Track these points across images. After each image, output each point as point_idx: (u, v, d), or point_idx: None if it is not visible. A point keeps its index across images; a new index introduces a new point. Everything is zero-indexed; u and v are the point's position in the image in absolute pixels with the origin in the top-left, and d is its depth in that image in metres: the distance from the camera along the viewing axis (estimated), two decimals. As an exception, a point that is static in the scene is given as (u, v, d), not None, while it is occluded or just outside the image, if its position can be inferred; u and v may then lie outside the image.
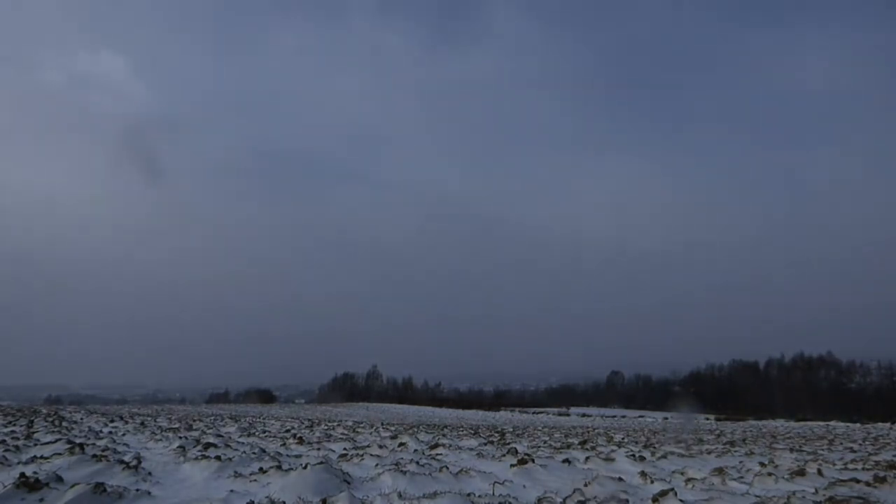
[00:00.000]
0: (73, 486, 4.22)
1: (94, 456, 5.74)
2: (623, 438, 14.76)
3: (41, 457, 5.86)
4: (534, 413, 56.13)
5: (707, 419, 43.63)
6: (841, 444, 14.67)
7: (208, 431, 11.78)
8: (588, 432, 18.98)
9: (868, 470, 7.34)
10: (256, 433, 11.86)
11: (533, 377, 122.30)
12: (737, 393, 68.19)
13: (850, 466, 8.07)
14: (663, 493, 4.69)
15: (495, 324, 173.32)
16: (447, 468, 5.95)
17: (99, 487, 4.20)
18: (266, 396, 76.37)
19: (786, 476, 6.33)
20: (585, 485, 5.27)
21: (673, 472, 6.85)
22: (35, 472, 4.70)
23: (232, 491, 4.67)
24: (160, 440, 9.05)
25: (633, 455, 8.46)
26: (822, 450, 12.04)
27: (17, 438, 8.31)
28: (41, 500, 4.05)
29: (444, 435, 13.13)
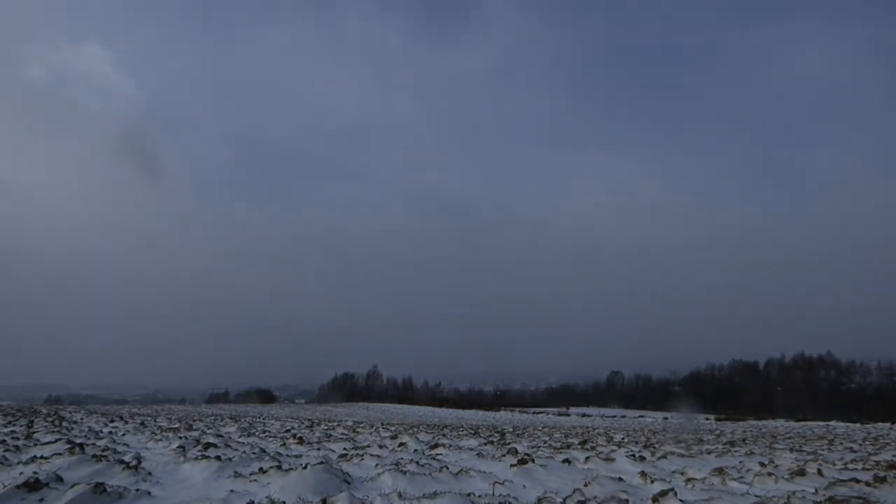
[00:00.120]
0: (73, 486, 4.22)
1: (94, 456, 5.74)
2: (623, 438, 14.77)
3: (41, 457, 5.86)
4: (534, 413, 56.15)
5: (707, 419, 43.64)
6: (841, 444, 14.67)
7: (208, 431, 11.78)
8: (588, 432, 18.98)
9: (868, 470, 7.34)
10: (256, 433, 11.86)
11: (533, 377, 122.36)
12: (737, 393, 68.23)
13: (850, 466, 8.07)
14: (663, 493, 4.69)
15: (495, 323, 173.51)
16: (447, 468, 5.95)
17: (99, 487, 4.20)
18: (266, 396, 76.41)
19: (786, 476, 6.33)
20: (585, 485, 5.27)
21: (673, 472, 6.85)
22: (35, 472, 4.70)
23: (232, 491, 4.67)
24: (160, 440, 9.05)
25: (633, 455, 8.46)
26: (822, 450, 12.04)
27: (17, 438, 8.30)
28: (41, 500, 4.05)
29: (444, 435, 13.13)
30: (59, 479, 4.56)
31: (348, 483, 5.07)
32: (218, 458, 6.27)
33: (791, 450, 11.64)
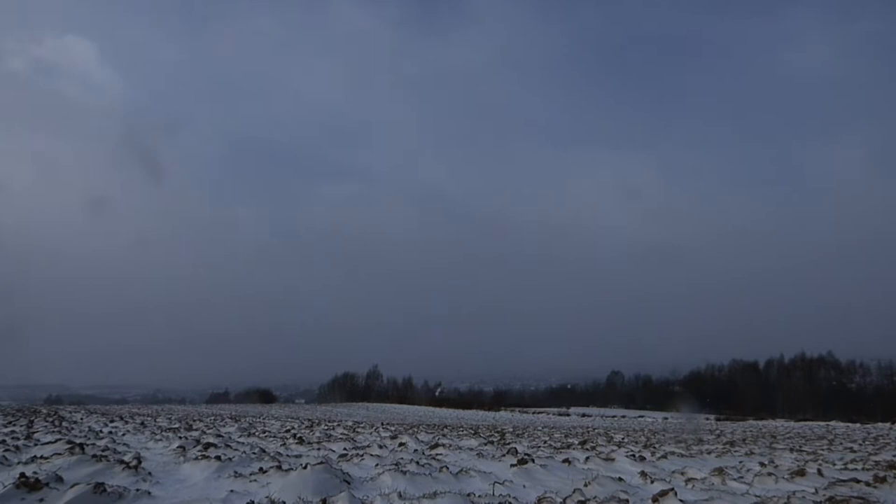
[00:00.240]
0: (73, 486, 4.22)
1: (94, 456, 5.74)
2: (623, 438, 14.77)
3: (41, 457, 5.86)
4: (534, 413, 56.14)
5: (707, 419, 43.65)
6: (841, 444, 14.68)
7: (208, 431, 11.78)
8: (588, 432, 18.99)
9: (868, 470, 7.35)
10: (256, 433, 11.86)
11: (533, 377, 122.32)
12: (737, 393, 68.20)
13: (850, 466, 8.08)
14: (663, 493, 4.69)
15: (495, 323, 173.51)
16: (447, 468, 5.95)
17: (99, 487, 4.20)
18: (266, 396, 76.37)
19: (786, 476, 6.33)
20: (585, 485, 5.27)
21: (673, 472, 6.85)
22: (35, 472, 4.70)
23: (232, 491, 4.67)
24: (160, 440, 9.06)
25: (633, 455, 8.47)
26: (822, 450, 12.04)
27: (17, 438, 8.31)
28: (41, 500, 4.05)
29: (444, 435, 13.13)
30: (59, 479, 4.56)
31: (348, 483, 5.07)
32: (218, 458, 6.27)
33: (791, 450, 11.64)
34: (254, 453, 7.01)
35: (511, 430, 18.67)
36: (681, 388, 76.05)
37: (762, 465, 7.84)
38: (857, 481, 5.71)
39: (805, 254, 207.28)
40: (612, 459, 7.79)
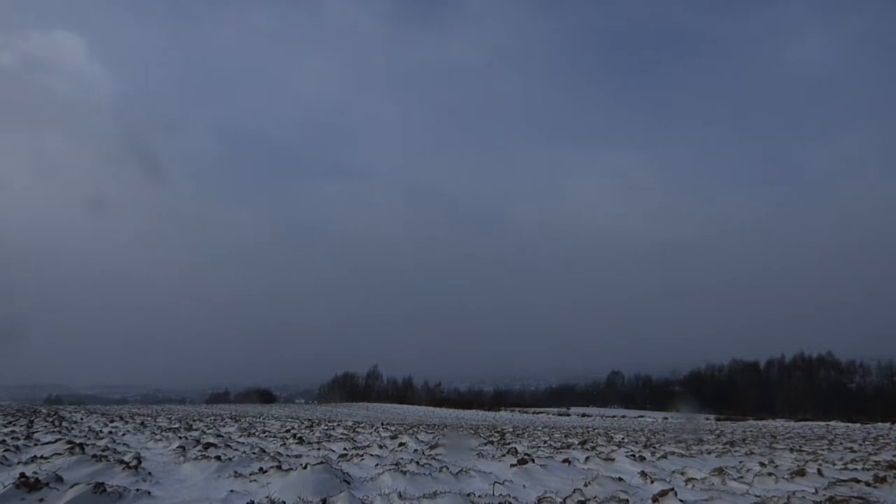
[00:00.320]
0: (73, 486, 4.22)
1: (94, 456, 5.74)
2: (623, 438, 14.77)
3: (41, 457, 5.86)
4: (534, 413, 56.10)
5: (707, 419, 43.64)
6: (841, 444, 14.67)
7: (208, 431, 11.78)
8: (588, 432, 18.99)
9: (868, 470, 7.34)
10: (256, 433, 11.86)
11: (533, 377, 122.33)
12: (737, 393, 68.17)
13: (850, 466, 8.08)
14: (663, 493, 4.69)
15: (496, 323, 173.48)
16: (447, 468, 5.95)
17: (99, 487, 4.20)
18: (266, 396, 76.35)
19: (786, 476, 6.33)
20: (585, 485, 5.27)
21: (673, 472, 6.85)
22: (35, 472, 4.70)
23: (232, 491, 4.67)
24: (160, 440, 9.06)
25: (633, 455, 8.47)
26: (822, 450, 12.04)
27: (17, 438, 8.31)
28: (41, 500, 4.05)
29: (444, 435, 13.13)
30: (59, 479, 4.57)
31: (348, 483, 5.07)
32: (218, 458, 6.27)
33: (791, 450, 11.64)
34: (254, 453, 7.01)
35: (511, 430, 18.67)
36: (681, 388, 76.02)
37: (762, 465, 7.84)
38: (857, 481, 5.71)
39: (805, 254, 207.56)
40: (612, 459, 7.79)
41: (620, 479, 5.77)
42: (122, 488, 4.41)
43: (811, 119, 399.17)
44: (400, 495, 4.44)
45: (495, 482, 5.36)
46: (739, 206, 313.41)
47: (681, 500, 4.52)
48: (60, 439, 7.85)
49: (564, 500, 4.59)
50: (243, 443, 9.25)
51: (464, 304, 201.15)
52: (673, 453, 9.63)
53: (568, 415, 53.07)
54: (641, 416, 48.43)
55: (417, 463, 6.51)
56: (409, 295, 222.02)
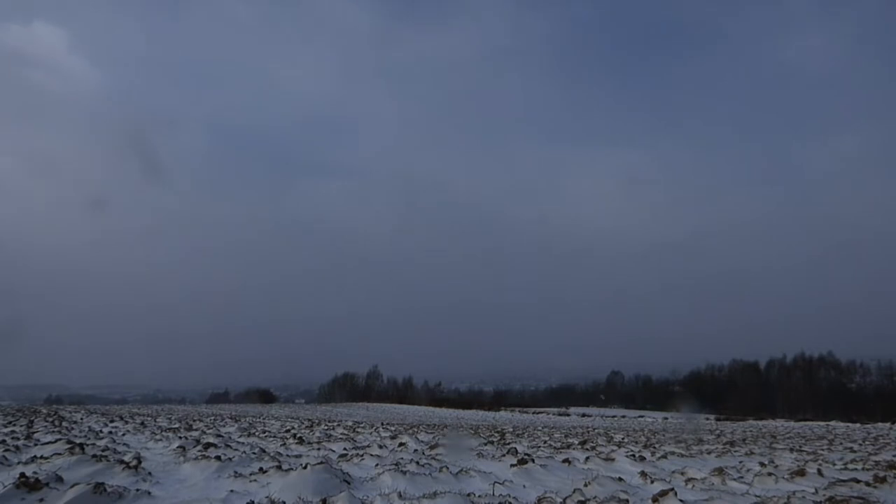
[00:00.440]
0: (73, 486, 4.22)
1: (94, 456, 5.75)
2: (623, 438, 14.77)
3: (41, 457, 5.86)
4: (534, 413, 56.09)
5: (707, 419, 43.65)
6: (841, 444, 14.68)
7: (208, 431, 11.78)
8: (588, 432, 18.99)
9: (868, 470, 7.35)
10: (256, 433, 11.86)
11: (533, 377, 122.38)
12: (737, 393, 68.18)
13: (850, 466, 8.08)
14: (663, 493, 4.69)
15: (496, 323, 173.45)
16: (447, 468, 5.95)
17: (99, 487, 4.20)
18: (266, 396, 76.37)
19: (786, 476, 6.33)
20: (585, 485, 5.27)
21: (673, 472, 6.85)
22: (35, 472, 4.70)
23: (232, 491, 4.67)
24: (160, 440, 9.06)
25: (633, 455, 8.47)
26: (822, 450, 12.04)
27: (17, 438, 8.31)
28: (41, 500, 4.05)
29: (444, 435, 13.13)
30: (59, 479, 4.57)
31: (348, 483, 5.07)
32: (218, 458, 6.27)
33: (791, 450, 11.64)
34: (254, 453, 7.01)
35: (511, 430, 18.67)
36: (681, 388, 76.06)
37: (762, 465, 7.84)
38: (857, 481, 5.71)
39: (805, 253, 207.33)
40: (612, 459, 7.79)
41: (620, 479, 5.77)
42: (122, 488, 4.41)
43: (811, 119, 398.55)
44: (400, 495, 4.44)
45: (495, 482, 5.36)
46: (739, 205, 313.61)
47: (681, 500, 4.52)
48: (60, 439, 7.85)
49: (564, 500, 4.59)
50: (243, 443, 9.25)
51: (464, 304, 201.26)
52: (673, 453, 9.63)
53: (568, 415, 53.06)
54: (641, 416, 48.44)
55: (417, 463, 6.51)
56: (409, 295, 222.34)
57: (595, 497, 4.66)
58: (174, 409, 32.66)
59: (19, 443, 7.61)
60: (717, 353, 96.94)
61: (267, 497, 4.35)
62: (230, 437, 10.27)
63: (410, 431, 13.98)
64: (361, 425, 17.88)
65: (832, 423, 37.75)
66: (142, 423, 13.76)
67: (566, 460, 7.50)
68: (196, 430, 12.14)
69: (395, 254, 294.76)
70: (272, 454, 7.20)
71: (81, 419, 15.24)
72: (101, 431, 10.70)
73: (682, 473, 6.54)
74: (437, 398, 77.02)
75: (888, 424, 33.76)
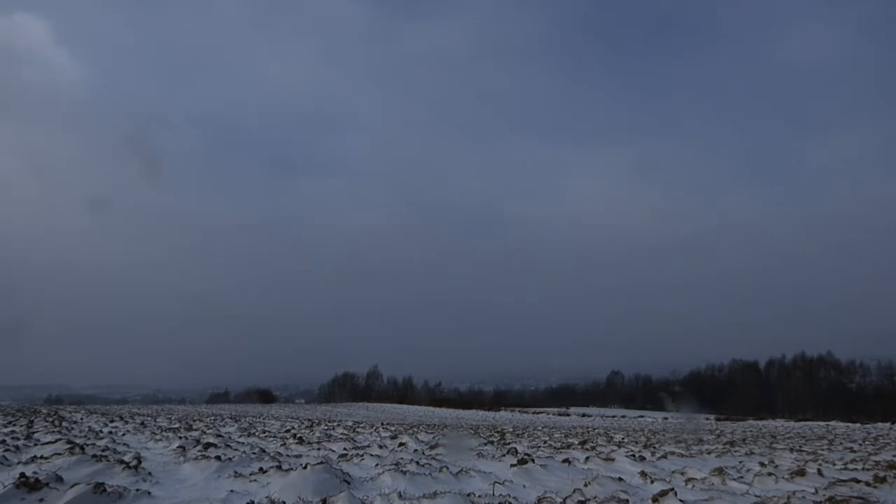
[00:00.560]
0: (73, 486, 4.22)
1: (94, 456, 5.74)
2: (623, 438, 14.77)
3: (41, 457, 5.86)
4: (534, 413, 56.08)
5: (707, 419, 43.64)
6: (841, 444, 14.67)
7: (208, 431, 11.78)
8: (588, 432, 18.99)
9: (868, 470, 7.34)
10: (256, 433, 11.86)
11: (533, 377, 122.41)
12: (737, 393, 68.18)
13: (850, 466, 8.08)
14: (663, 493, 4.69)
15: (496, 323, 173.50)
16: (447, 468, 5.95)
17: (99, 487, 4.20)
18: (266, 396, 76.33)
19: (786, 476, 6.33)
20: (585, 485, 5.27)
21: (673, 472, 6.85)
22: (35, 472, 4.70)
23: (232, 491, 4.67)
24: (160, 440, 9.06)
25: (633, 455, 8.47)
26: (822, 450, 12.04)
27: (17, 438, 8.31)
28: (41, 500, 4.05)
29: (444, 435, 13.13)
30: (59, 479, 4.56)
31: (348, 483, 5.07)
32: (218, 458, 6.27)
33: (791, 450, 11.64)
34: (254, 453, 7.01)
35: (511, 430, 18.67)
36: (681, 388, 76.06)
37: (762, 465, 7.84)
38: (857, 481, 5.71)
39: (805, 253, 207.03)
40: (612, 459, 7.79)
41: (620, 479, 5.77)
42: (122, 488, 4.41)
43: (811, 118, 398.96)
44: (400, 495, 4.44)
45: (495, 482, 5.36)
46: (739, 205, 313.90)
47: (681, 500, 4.52)
48: (60, 439, 7.85)
49: (564, 500, 4.59)
50: (243, 443, 9.25)
51: (464, 304, 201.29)
52: (673, 453, 9.62)
53: (568, 415, 53.04)
54: (641, 416, 48.44)
55: (417, 463, 6.50)
56: (409, 295, 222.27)
57: (595, 497, 4.66)
58: (174, 409, 32.65)
59: (19, 443, 7.61)
60: (717, 353, 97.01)
61: (267, 497, 4.35)
62: (230, 437, 10.27)
63: (410, 431, 13.98)
64: (361, 425, 17.88)
65: (832, 423, 37.74)
66: (142, 423, 13.76)
67: (566, 460, 7.49)
68: (196, 430, 12.14)
69: (395, 253, 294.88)
70: (272, 454, 7.20)
71: (81, 419, 15.23)
72: (101, 431, 10.70)
73: (682, 473, 6.54)
74: (437, 398, 77.01)
75: (888, 424, 33.76)
